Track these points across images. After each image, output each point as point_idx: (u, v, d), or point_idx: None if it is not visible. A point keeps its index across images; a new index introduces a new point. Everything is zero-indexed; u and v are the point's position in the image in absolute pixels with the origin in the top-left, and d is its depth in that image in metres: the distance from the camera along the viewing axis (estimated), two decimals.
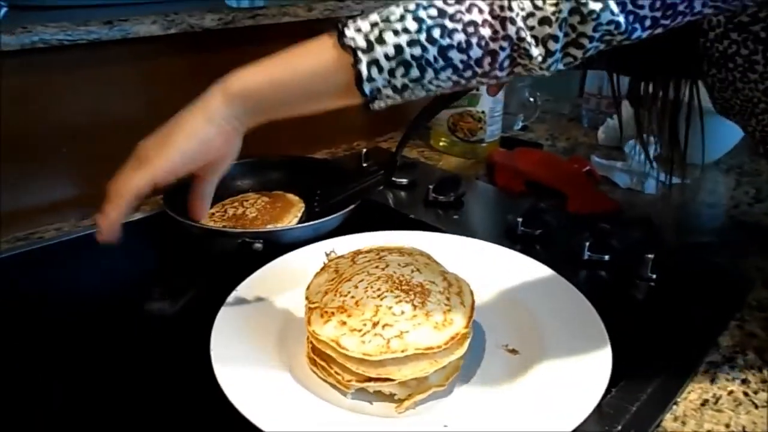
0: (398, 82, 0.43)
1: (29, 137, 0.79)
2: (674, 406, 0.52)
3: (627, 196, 0.95)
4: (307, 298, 0.54)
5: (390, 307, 0.49)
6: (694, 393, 0.53)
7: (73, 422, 0.53)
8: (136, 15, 0.82)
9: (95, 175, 0.83)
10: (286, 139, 1.01)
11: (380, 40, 0.42)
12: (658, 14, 0.41)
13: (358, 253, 0.59)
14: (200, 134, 0.48)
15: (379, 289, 0.51)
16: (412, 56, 0.42)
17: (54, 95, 0.79)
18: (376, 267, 0.55)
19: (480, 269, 0.65)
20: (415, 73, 0.43)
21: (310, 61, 0.46)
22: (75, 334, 0.64)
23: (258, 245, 0.68)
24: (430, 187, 0.89)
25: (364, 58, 0.43)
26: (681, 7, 0.41)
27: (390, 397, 0.49)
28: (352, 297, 0.51)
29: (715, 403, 0.52)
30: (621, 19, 0.40)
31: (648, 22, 0.41)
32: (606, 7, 0.40)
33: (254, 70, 0.48)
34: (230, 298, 0.59)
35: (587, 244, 0.73)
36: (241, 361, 0.51)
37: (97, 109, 0.84)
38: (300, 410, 0.47)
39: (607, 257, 0.73)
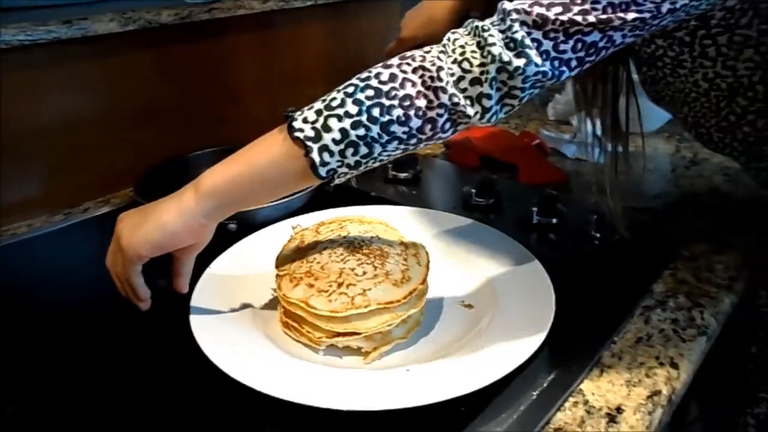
0: (350, 160, 0.47)
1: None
2: (612, 345, 0.58)
3: (575, 166, 1.01)
4: (276, 266, 0.58)
5: (353, 269, 0.54)
6: (630, 333, 0.59)
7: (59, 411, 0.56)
8: (93, 13, 0.85)
9: (62, 171, 0.87)
10: (252, 131, 1.05)
11: (326, 128, 0.46)
12: (581, 54, 0.45)
13: (321, 224, 0.63)
14: (168, 227, 0.51)
15: (342, 254, 0.56)
16: (358, 136, 0.46)
17: (16, 95, 0.81)
18: (338, 235, 0.59)
19: (437, 236, 0.70)
20: (363, 150, 0.47)
21: (265, 156, 0.49)
22: (57, 324, 0.67)
23: (232, 226, 0.71)
24: (389, 165, 0.94)
25: (314, 147, 0.46)
26: (601, 44, 0.45)
27: (357, 351, 0.54)
28: (318, 263, 0.56)
29: (648, 339, 0.58)
30: (546, 68, 0.44)
31: (574, 63, 0.45)
32: (530, 61, 0.44)
33: (220, 169, 0.51)
34: (205, 274, 0.63)
35: (536, 209, 0.79)
36: (220, 330, 0.55)
37: (60, 107, 0.86)
38: (279, 367, 0.51)
39: (554, 220, 0.79)
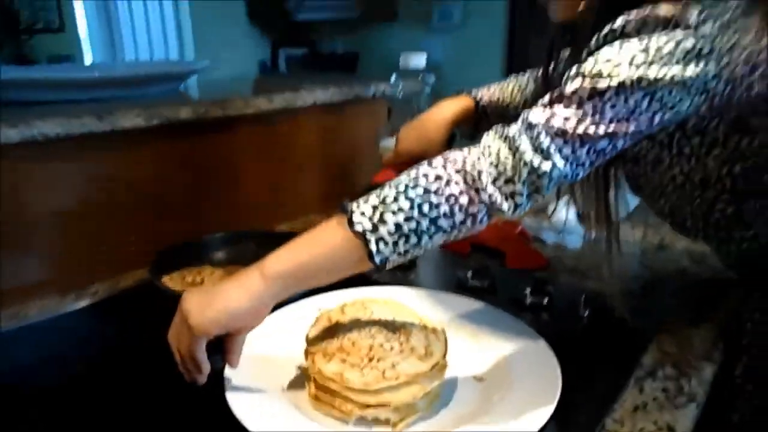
0: (401, 249, 0.55)
1: (21, 223, 0.86)
2: (613, 413, 0.63)
3: (555, 252, 1.10)
4: (307, 343, 0.63)
5: (381, 345, 0.60)
6: (627, 402, 0.66)
7: None
8: (118, 109, 0.92)
9: (81, 255, 0.91)
10: (253, 215, 1.12)
11: (382, 221, 0.54)
12: (593, 158, 0.56)
13: (345, 305, 0.69)
14: (237, 309, 0.57)
15: (370, 331, 0.62)
16: (410, 229, 0.54)
17: (46, 183, 0.87)
18: (363, 314, 0.65)
19: (444, 314, 0.76)
20: (413, 240, 0.55)
21: (328, 246, 0.57)
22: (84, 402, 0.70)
23: None
24: None
25: (372, 238, 0.54)
26: (608, 149, 0.56)
27: (386, 422, 0.58)
28: (349, 339, 0.61)
29: (644, 407, 0.65)
30: (567, 170, 0.55)
31: (587, 165, 0.56)
32: (554, 165, 0.54)
33: (285, 256, 0.58)
34: None
35: (528, 290, 0.87)
36: (255, 405, 0.59)
37: (79, 195, 0.91)
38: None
39: (545, 301, 0.86)
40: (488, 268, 0.95)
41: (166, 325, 0.60)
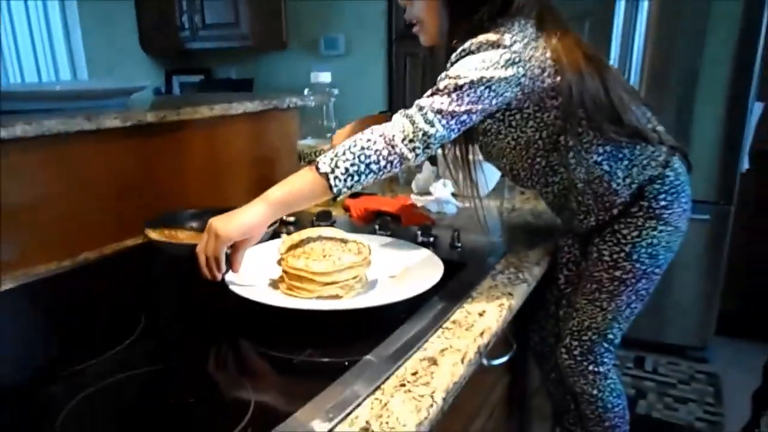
0: (349, 183, 0.88)
1: (23, 204, 1.09)
2: (477, 287, 1.00)
3: (437, 216, 1.48)
4: (280, 254, 0.94)
5: (330, 248, 0.92)
6: (485, 284, 1.02)
7: None
8: (99, 113, 1.17)
9: (71, 227, 1.15)
10: (196, 198, 1.40)
11: (336, 166, 0.87)
12: (459, 126, 0.92)
13: (300, 232, 1.00)
14: (248, 222, 0.88)
15: (321, 242, 0.94)
16: (354, 171, 0.88)
17: (46, 170, 1.11)
18: (314, 235, 0.97)
19: (370, 242, 1.10)
20: (356, 178, 0.88)
21: (305, 182, 0.89)
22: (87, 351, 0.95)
23: None
24: (314, 218, 1.33)
25: (330, 177, 0.87)
26: (467, 121, 0.92)
27: (336, 297, 0.90)
28: (308, 247, 0.93)
29: (495, 287, 1.02)
30: (444, 133, 0.91)
31: (456, 130, 0.92)
32: (437, 131, 0.90)
33: (278, 189, 0.90)
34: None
35: (419, 233, 1.23)
36: (250, 290, 0.89)
37: (76, 179, 1.16)
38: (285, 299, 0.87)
39: (431, 239, 1.22)
40: (389, 223, 1.30)
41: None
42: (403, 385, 0.71)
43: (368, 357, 0.76)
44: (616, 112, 1.04)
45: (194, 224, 1.23)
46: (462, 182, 1.16)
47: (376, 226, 1.27)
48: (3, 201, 1.04)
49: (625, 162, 1.08)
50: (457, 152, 1.15)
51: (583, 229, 1.18)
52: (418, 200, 1.57)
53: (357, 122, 1.30)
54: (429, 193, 1.67)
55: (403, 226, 1.37)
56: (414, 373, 0.74)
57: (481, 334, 0.85)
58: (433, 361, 0.77)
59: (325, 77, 1.56)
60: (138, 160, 1.29)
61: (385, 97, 3.43)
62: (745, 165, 2.44)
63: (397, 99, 3.32)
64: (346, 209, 1.50)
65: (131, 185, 1.27)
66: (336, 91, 1.60)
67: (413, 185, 1.74)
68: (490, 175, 1.57)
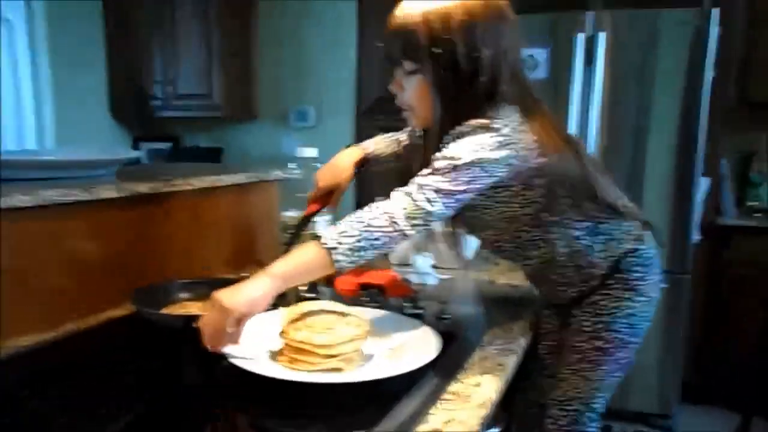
0: (351, 259, 0.92)
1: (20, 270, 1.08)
2: (469, 359, 1.03)
3: (417, 287, 1.51)
4: (282, 327, 0.95)
5: (330, 321, 0.95)
6: (476, 356, 1.06)
7: None
8: (96, 184, 1.19)
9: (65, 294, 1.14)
10: (184, 265, 1.41)
11: (340, 243, 0.92)
12: (456, 204, 0.98)
13: (300, 305, 1.01)
14: (253, 296, 0.91)
15: (320, 316, 0.96)
16: (358, 247, 0.92)
17: (42, 238, 1.11)
18: (314, 308, 0.99)
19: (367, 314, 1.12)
20: (359, 254, 0.93)
21: (309, 257, 0.94)
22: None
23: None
24: (303, 288, 1.35)
25: (334, 253, 0.92)
26: (463, 199, 0.99)
27: (338, 370, 0.92)
28: (309, 320, 0.95)
29: (486, 358, 1.05)
30: (443, 211, 0.97)
31: (453, 208, 0.99)
32: (436, 209, 0.96)
33: (283, 263, 0.94)
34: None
35: (408, 305, 1.26)
36: (250, 363, 0.90)
37: (71, 248, 1.16)
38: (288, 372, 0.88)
39: (419, 310, 1.26)
40: (376, 295, 1.33)
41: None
42: None
43: (377, 430, 0.78)
44: (593, 190, 1.12)
45: (184, 295, 1.24)
46: (444, 254, 1.21)
47: (366, 299, 1.30)
48: None
49: (603, 237, 1.15)
50: (443, 226, 1.20)
51: (563, 299, 1.23)
52: (398, 271, 1.61)
53: (344, 158, 1.33)
54: (408, 265, 1.72)
55: (388, 297, 1.40)
56: None
57: (482, 404, 0.88)
58: None
59: (311, 152, 1.62)
60: (126, 230, 1.30)
61: (354, 186, 3.51)
62: (696, 236, 2.59)
63: (366, 184, 3.40)
64: (329, 281, 1.53)
65: (118, 254, 1.28)
66: (319, 166, 1.65)
67: (391, 257, 1.78)
68: (468, 247, 1.63)
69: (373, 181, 3.27)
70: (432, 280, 1.56)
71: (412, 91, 1.09)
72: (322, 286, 1.44)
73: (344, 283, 1.47)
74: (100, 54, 3.72)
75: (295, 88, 3.58)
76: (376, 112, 3.39)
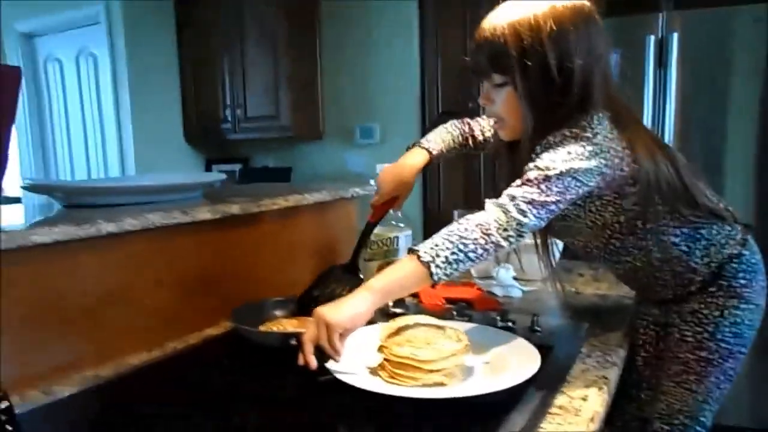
0: (448, 271, 0.93)
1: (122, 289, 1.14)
2: (570, 372, 1.01)
3: (503, 299, 1.50)
4: (381, 342, 0.96)
5: (430, 336, 0.95)
6: (576, 368, 1.03)
7: None
8: (192, 207, 1.24)
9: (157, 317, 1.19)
10: (270, 284, 1.44)
11: (437, 255, 0.93)
12: (549, 215, 0.97)
13: (396, 320, 1.02)
14: (355, 311, 0.92)
15: (419, 330, 0.97)
16: (453, 260, 0.93)
17: (147, 259, 1.16)
18: (410, 322, 1.00)
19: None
20: (455, 266, 0.93)
21: (406, 271, 0.95)
22: None
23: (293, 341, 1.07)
24: (389, 304, 1.36)
25: (431, 266, 0.92)
26: (555, 210, 0.97)
27: (441, 384, 0.92)
28: (409, 334, 0.96)
29: (587, 371, 1.03)
30: (536, 222, 0.96)
31: (546, 219, 0.97)
32: (529, 220, 0.95)
33: (382, 279, 0.95)
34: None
35: (498, 318, 1.25)
36: (353, 378, 0.91)
37: (170, 268, 1.21)
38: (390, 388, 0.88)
39: (510, 323, 1.24)
40: (465, 309, 1.33)
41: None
42: None
43: None
44: (691, 195, 1.08)
45: (278, 312, 1.27)
46: (525, 265, 1.19)
47: (454, 312, 1.30)
48: (103, 291, 1.09)
49: (703, 242, 1.11)
50: (537, 238, 1.19)
51: (659, 298, 1.20)
52: (482, 285, 1.60)
53: (405, 163, 1.31)
54: (490, 277, 1.71)
55: (477, 309, 1.39)
56: None
57: (592, 419, 0.86)
58: None
59: None
60: (218, 249, 1.34)
61: (419, 184, 3.53)
62: None
63: (432, 185, 3.40)
64: (414, 296, 1.53)
65: (212, 274, 1.32)
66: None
67: (472, 270, 1.77)
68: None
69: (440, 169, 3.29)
70: (516, 292, 1.55)
71: (502, 103, 1.09)
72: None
73: (430, 297, 1.48)
74: (175, 82, 3.90)
75: (360, 107, 3.64)
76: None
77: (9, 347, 0.96)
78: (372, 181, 1.66)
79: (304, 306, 1.25)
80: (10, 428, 0.52)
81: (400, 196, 1.32)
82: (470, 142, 1.37)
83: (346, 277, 1.30)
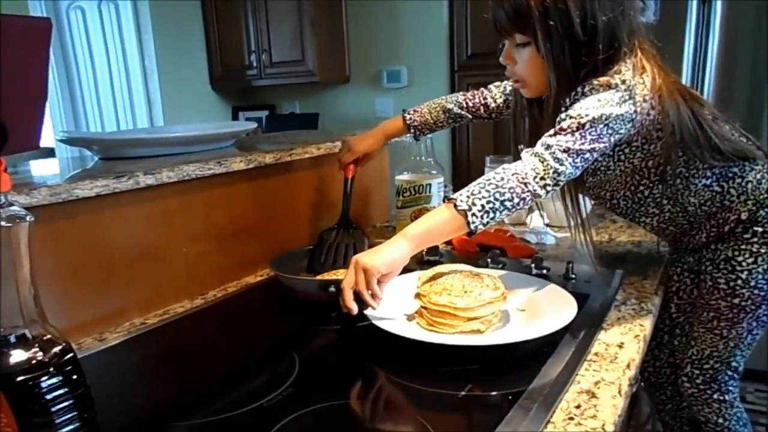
0: (485, 220, 0.92)
1: (168, 241, 1.16)
2: (606, 320, 1.02)
3: (537, 246, 1.50)
4: (419, 289, 0.98)
5: (468, 284, 0.96)
6: (612, 317, 1.04)
7: None
8: (226, 157, 1.25)
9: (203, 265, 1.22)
10: (304, 229, 1.46)
11: (473, 204, 0.92)
12: (584, 163, 0.95)
13: (434, 268, 1.04)
14: (393, 256, 0.93)
15: (457, 277, 0.98)
16: (490, 208, 0.92)
17: (169, 215, 1.18)
18: (448, 270, 1.01)
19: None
20: (492, 215, 0.92)
21: (442, 218, 0.94)
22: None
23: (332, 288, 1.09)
24: (424, 251, 1.37)
25: (468, 214, 0.91)
26: (590, 158, 0.95)
27: (478, 331, 0.93)
28: (446, 282, 0.97)
29: (623, 318, 1.03)
30: (572, 170, 0.94)
31: (581, 167, 0.95)
32: (566, 167, 0.93)
33: (417, 226, 0.95)
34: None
35: (533, 265, 1.25)
36: (391, 324, 0.94)
37: (209, 219, 1.23)
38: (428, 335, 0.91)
39: (544, 270, 1.25)
40: (498, 256, 1.33)
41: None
42: (572, 418, 0.74)
43: (529, 389, 0.79)
44: (715, 144, 1.06)
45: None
46: (558, 211, 1.18)
47: (489, 260, 1.30)
48: (143, 242, 1.12)
49: (737, 180, 1.09)
50: (566, 195, 1.18)
51: (692, 245, 1.19)
52: (515, 232, 1.60)
53: (379, 128, 1.42)
54: (522, 224, 1.70)
55: (510, 256, 1.40)
56: (577, 407, 0.76)
57: (628, 365, 0.87)
58: (592, 394, 0.79)
59: None
60: (253, 199, 1.36)
61: (448, 132, 3.48)
62: None
63: (461, 133, 3.36)
64: (447, 243, 1.54)
65: (248, 223, 1.34)
66: None
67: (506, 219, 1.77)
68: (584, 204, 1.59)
69: (469, 130, 3.26)
70: (549, 239, 1.54)
71: (524, 63, 1.05)
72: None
73: (463, 244, 1.49)
74: (199, 30, 3.85)
75: (387, 50, 3.56)
76: (469, 69, 3.34)
77: (62, 299, 1.00)
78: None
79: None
80: (75, 377, 0.55)
81: (366, 157, 1.41)
82: (482, 111, 1.38)
83: (342, 233, 1.37)
